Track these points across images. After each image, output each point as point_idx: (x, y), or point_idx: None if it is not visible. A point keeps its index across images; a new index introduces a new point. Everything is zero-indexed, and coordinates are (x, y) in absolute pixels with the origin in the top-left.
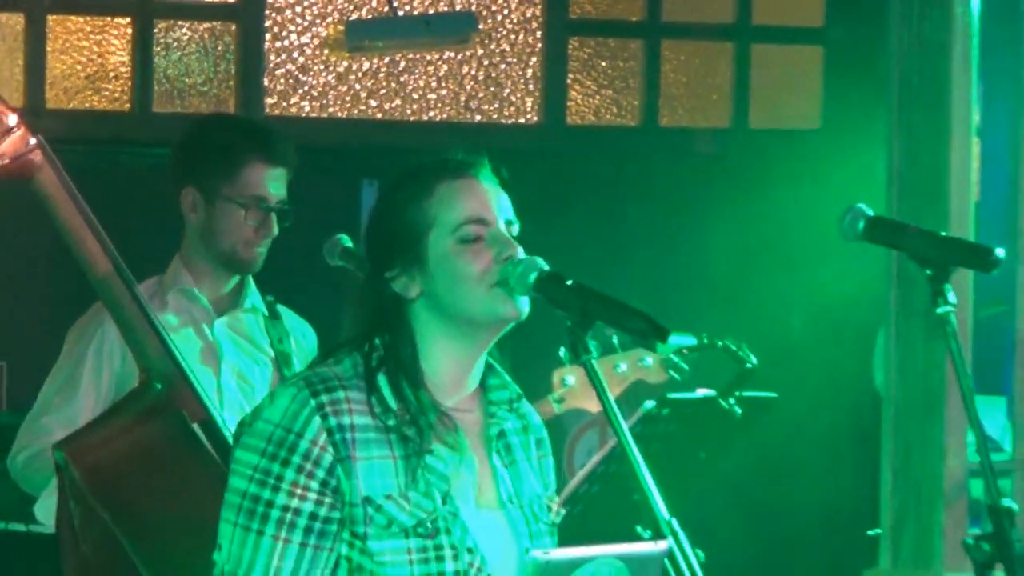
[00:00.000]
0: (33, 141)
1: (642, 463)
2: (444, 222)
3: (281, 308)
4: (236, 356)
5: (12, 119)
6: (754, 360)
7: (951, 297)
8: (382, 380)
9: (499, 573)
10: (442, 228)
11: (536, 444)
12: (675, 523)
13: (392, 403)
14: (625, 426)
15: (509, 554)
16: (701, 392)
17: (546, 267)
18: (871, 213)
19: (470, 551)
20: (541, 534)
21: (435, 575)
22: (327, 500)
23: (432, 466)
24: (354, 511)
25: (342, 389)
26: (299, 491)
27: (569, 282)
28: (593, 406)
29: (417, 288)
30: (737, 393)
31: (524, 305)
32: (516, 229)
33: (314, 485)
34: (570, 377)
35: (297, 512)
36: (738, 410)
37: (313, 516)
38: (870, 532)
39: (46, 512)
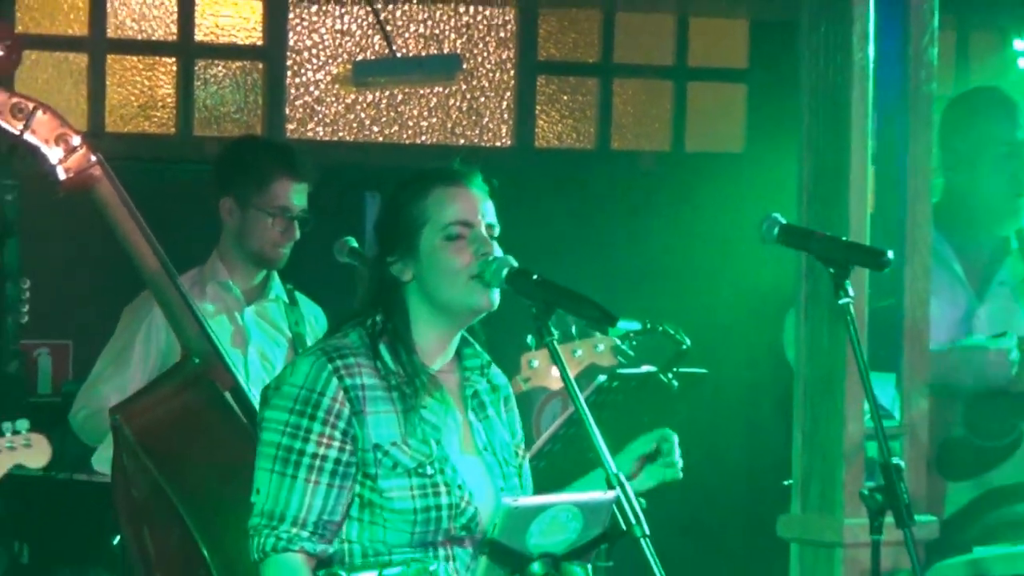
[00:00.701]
0: (94, 158)
1: (595, 427)
2: (435, 220)
3: (298, 295)
4: (261, 339)
5: (76, 140)
6: (688, 342)
7: (850, 291)
8: (383, 348)
9: (481, 507)
10: (433, 225)
11: (504, 401)
12: (622, 476)
13: (392, 366)
14: (581, 396)
15: (487, 492)
16: (644, 368)
17: (516, 264)
18: (784, 221)
19: (460, 487)
20: (511, 476)
21: (432, 507)
22: (348, 447)
23: (426, 418)
24: (366, 456)
25: (352, 356)
26: (325, 440)
27: (535, 277)
28: (554, 384)
29: (410, 273)
30: (674, 369)
31: (496, 297)
32: (496, 231)
33: (337, 435)
34: (535, 360)
35: (324, 458)
36: (675, 383)
37: (337, 461)
38: (784, 483)
39: (101, 461)
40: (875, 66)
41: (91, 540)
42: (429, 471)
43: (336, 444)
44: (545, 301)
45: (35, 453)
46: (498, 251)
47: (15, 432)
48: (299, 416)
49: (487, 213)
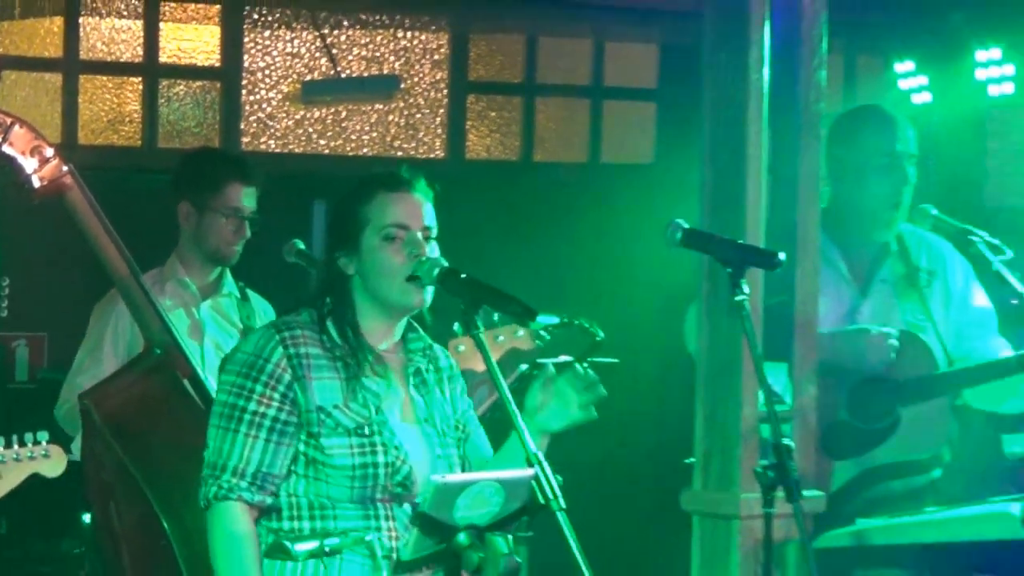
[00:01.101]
0: (65, 168)
1: (516, 411)
2: (376, 222)
3: (250, 292)
4: (216, 331)
5: (50, 151)
6: (601, 334)
7: (745, 288)
8: (330, 325)
9: (416, 468)
10: (374, 226)
11: (448, 380)
12: (540, 455)
13: (338, 340)
14: (504, 383)
15: (424, 457)
16: (562, 358)
17: (446, 264)
18: (687, 226)
19: (397, 448)
20: (448, 445)
21: (370, 465)
22: (286, 408)
23: (367, 386)
24: (309, 416)
25: (300, 329)
26: (265, 400)
27: (463, 276)
28: (479, 366)
29: (353, 268)
30: (589, 359)
31: (428, 295)
32: (434, 233)
33: (276, 396)
34: (461, 346)
35: (263, 416)
36: (590, 372)
37: (275, 420)
38: (687, 461)
39: (79, 449)
40: (770, 87)
41: (63, 515)
42: (367, 432)
43: (275, 404)
44: (472, 298)
45: (52, 463)
46: (434, 251)
47: (35, 443)
48: (244, 378)
49: (426, 217)
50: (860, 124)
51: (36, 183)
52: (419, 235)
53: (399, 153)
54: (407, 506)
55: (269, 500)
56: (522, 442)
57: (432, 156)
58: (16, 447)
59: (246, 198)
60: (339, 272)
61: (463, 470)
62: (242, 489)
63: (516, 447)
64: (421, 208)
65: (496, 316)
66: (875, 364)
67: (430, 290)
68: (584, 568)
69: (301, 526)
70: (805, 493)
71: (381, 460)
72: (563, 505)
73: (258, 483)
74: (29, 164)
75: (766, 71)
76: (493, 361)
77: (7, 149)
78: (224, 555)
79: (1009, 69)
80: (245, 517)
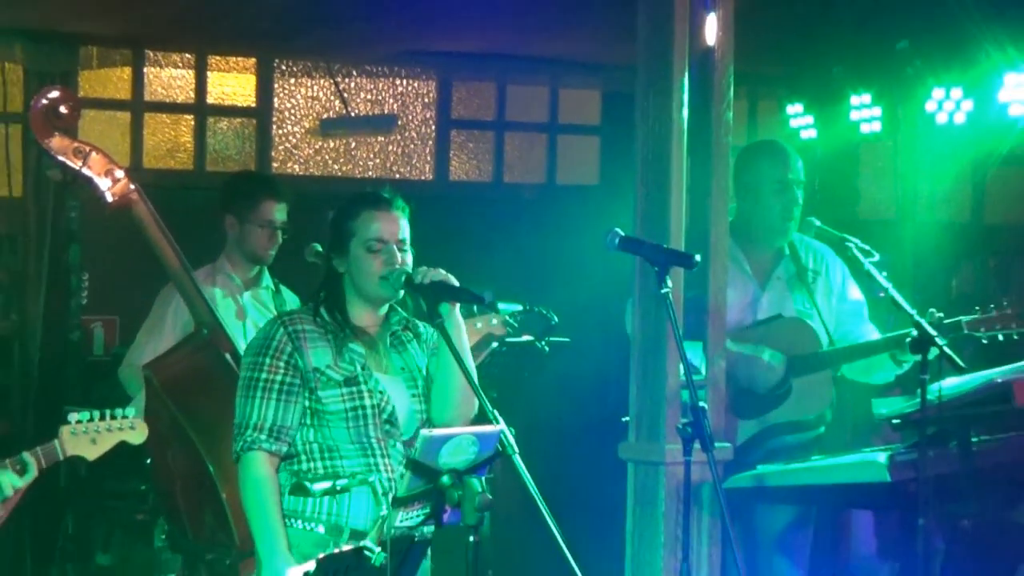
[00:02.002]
0: (133, 187)
1: (479, 387)
2: (360, 235)
3: (282, 287)
4: (255, 315)
5: (120, 173)
6: (556, 319)
7: (669, 283)
8: (323, 310)
9: (398, 407)
10: (359, 238)
11: (418, 339)
12: (496, 413)
13: (328, 319)
14: (470, 361)
15: (403, 398)
16: (525, 338)
17: (409, 271)
18: (623, 234)
19: (381, 392)
20: (422, 388)
21: (359, 407)
22: (290, 372)
23: (353, 349)
24: (308, 376)
25: (297, 315)
26: (272, 367)
27: (425, 281)
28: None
29: (343, 268)
30: (546, 338)
31: (397, 294)
32: (407, 244)
33: (281, 364)
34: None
35: (272, 381)
36: (547, 348)
37: (282, 383)
38: (623, 420)
39: (135, 410)
40: (688, 125)
41: (131, 460)
42: (355, 382)
43: (281, 370)
44: (433, 296)
45: (137, 433)
46: (407, 258)
47: (124, 417)
48: (255, 356)
49: (401, 231)
50: (760, 155)
51: (109, 198)
52: (394, 247)
53: (397, 175)
54: (399, 445)
55: (285, 448)
56: (484, 406)
57: (422, 178)
58: (109, 419)
59: (278, 212)
60: (334, 271)
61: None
62: (262, 441)
63: (445, 387)
64: (398, 223)
65: (475, 308)
66: (761, 386)
67: (400, 290)
68: (537, 499)
69: (315, 466)
70: (717, 445)
71: (368, 403)
72: (516, 450)
73: (275, 435)
74: (104, 183)
75: (685, 112)
76: (455, 345)
77: (86, 171)
78: (251, 494)
79: (877, 111)
80: (266, 464)
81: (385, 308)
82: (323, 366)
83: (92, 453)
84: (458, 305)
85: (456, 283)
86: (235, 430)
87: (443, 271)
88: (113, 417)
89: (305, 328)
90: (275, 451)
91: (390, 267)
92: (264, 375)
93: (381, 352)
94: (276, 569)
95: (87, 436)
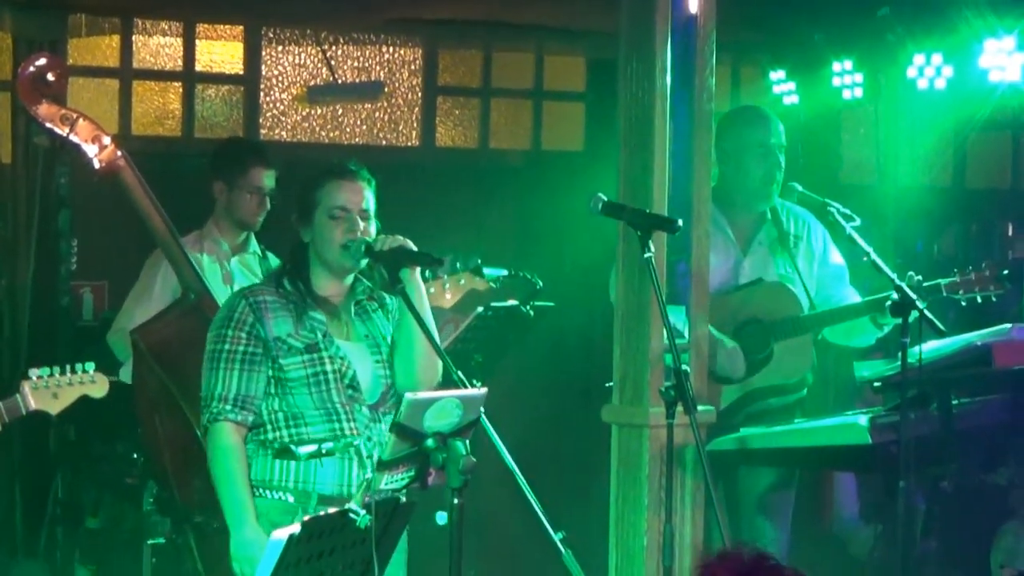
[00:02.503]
0: (120, 153)
1: (445, 355)
2: (324, 204)
3: (269, 253)
4: (242, 279)
5: (107, 140)
6: (540, 283)
7: (651, 247)
8: (286, 281)
9: (360, 372)
10: (323, 207)
11: (383, 308)
12: (460, 374)
13: (290, 289)
14: (433, 326)
15: (366, 364)
16: (510, 302)
17: (371, 240)
18: (606, 199)
19: (342, 358)
20: (385, 355)
21: (320, 373)
22: (252, 342)
23: (315, 318)
24: (270, 345)
25: (260, 287)
26: (234, 339)
27: (385, 249)
28: (446, 304)
29: (308, 237)
30: (531, 303)
31: (359, 263)
32: (371, 214)
33: (243, 335)
34: (431, 288)
35: (234, 352)
36: (531, 312)
37: (244, 353)
38: (608, 384)
39: (126, 376)
40: (671, 90)
41: (119, 424)
42: (316, 348)
43: (243, 341)
44: (393, 262)
45: (98, 387)
46: (371, 228)
47: (84, 371)
48: (218, 328)
49: (365, 201)
50: (741, 121)
51: (96, 165)
52: (356, 216)
53: (383, 142)
54: (365, 410)
55: (251, 418)
56: (447, 368)
57: (409, 144)
58: (69, 374)
59: (267, 178)
60: (300, 240)
61: (392, 371)
62: (227, 412)
63: (408, 352)
64: (362, 193)
65: (459, 264)
66: (732, 375)
67: (362, 260)
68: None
69: (280, 435)
70: (699, 408)
71: (329, 368)
72: (482, 411)
73: (240, 404)
74: (91, 150)
75: (668, 78)
76: (418, 309)
77: (73, 138)
78: (219, 464)
79: (859, 77)
80: (234, 434)
81: (350, 279)
82: (284, 335)
83: (55, 407)
84: (418, 270)
85: (415, 248)
86: (202, 403)
87: (401, 238)
88: (74, 371)
89: (267, 299)
90: (241, 421)
91: (351, 235)
92: (227, 346)
93: (344, 320)
94: (244, 538)
95: (48, 391)
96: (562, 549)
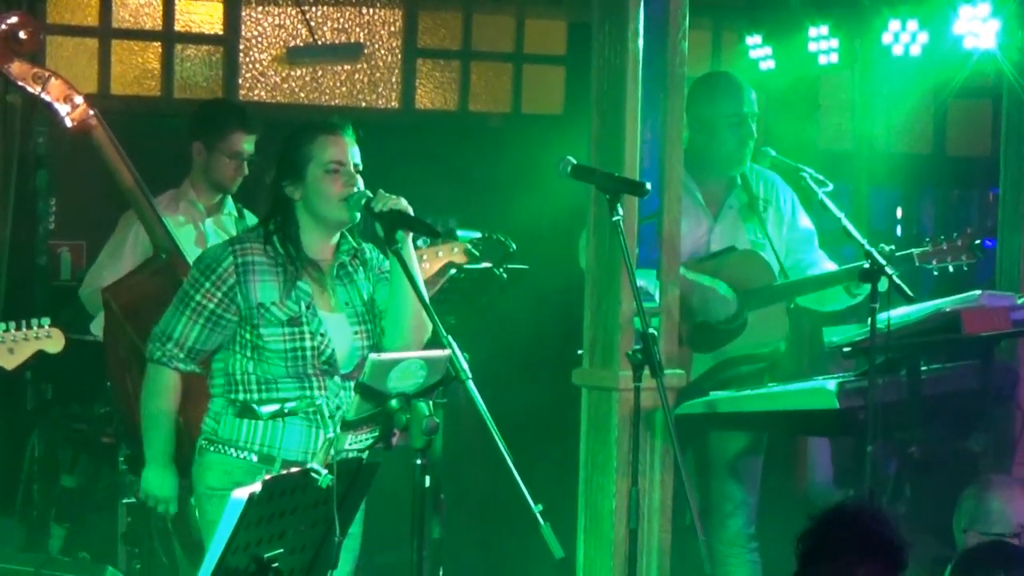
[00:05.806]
0: (92, 112)
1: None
2: (318, 158)
3: (246, 211)
4: (216, 241)
5: (79, 99)
6: (514, 246)
7: (620, 211)
8: (275, 240)
9: (338, 349)
10: (316, 162)
11: (364, 267)
12: (452, 341)
13: (280, 251)
14: (423, 286)
15: (345, 338)
16: (484, 264)
17: (370, 195)
18: (575, 162)
19: (322, 335)
20: (367, 323)
21: (299, 348)
22: (223, 304)
23: (301, 287)
24: (252, 311)
25: (249, 242)
26: (208, 295)
27: (385, 208)
28: (428, 271)
29: (299, 194)
30: (504, 265)
31: (356, 216)
32: (360, 169)
33: (218, 295)
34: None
35: (204, 307)
36: (504, 275)
37: (213, 312)
38: (579, 351)
39: (97, 328)
40: (644, 54)
41: (95, 383)
42: (298, 323)
43: (215, 300)
44: (390, 223)
45: (53, 342)
46: (360, 184)
47: (40, 326)
48: (199, 274)
49: (355, 156)
50: (714, 89)
51: (68, 123)
52: (352, 169)
53: (363, 104)
54: (337, 378)
55: (199, 369)
56: (436, 329)
57: (388, 107)
58: (25, 329)
59: (247, 143)
60: (286, 198)
61: (371, 339)
62: (179, 360)
63: (399, 313)
64: (350, 148)
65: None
66: (714, 316)
67: (357, 214)
68: (490, 423)
69: (251, 396)
70: (667, 371)
71: (308, 344)
72: (469, 376)
73: (192, 356)
74: (63, 109)
75: (640, 41)
76: (411, 271)
77: (45, 96)
78: (153, 400)
79: (834, 43)
80: (174, 377)
81: (337, 236)
82: (268, 302)
83: (10, 363)
84: (411, 234)
85: (412, 213)
86: (156, 331)
87: (404, 200)
88: (29, 327)
89: (255, 259)
90: (187, 371)
91: (350, 188)
92: (199, 297)
93: (328, 287)
94: (158, 473)
95: (4, 346)
96: (541, 521)
